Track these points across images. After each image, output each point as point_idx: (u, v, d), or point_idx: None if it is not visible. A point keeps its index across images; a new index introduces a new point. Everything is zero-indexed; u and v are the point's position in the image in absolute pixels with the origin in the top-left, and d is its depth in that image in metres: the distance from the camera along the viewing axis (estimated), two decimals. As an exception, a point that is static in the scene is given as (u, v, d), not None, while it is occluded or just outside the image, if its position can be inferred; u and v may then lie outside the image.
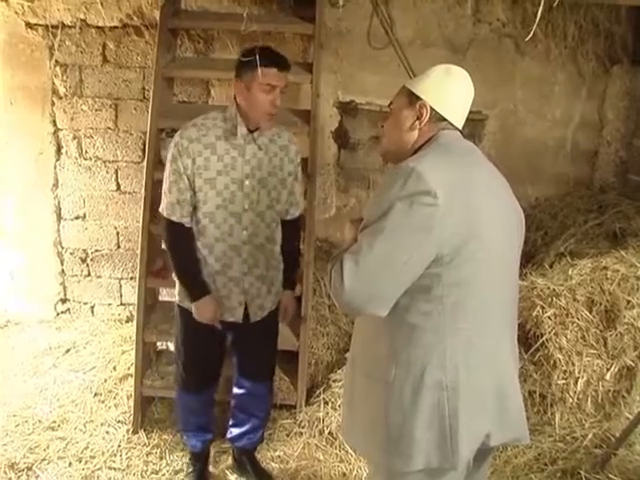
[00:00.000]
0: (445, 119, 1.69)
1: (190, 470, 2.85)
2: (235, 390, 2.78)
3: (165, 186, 2.43)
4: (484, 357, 1.60)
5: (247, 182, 2.39)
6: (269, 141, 2.45)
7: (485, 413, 1.60)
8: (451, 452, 1.56)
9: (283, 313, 2.68)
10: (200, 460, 2.86)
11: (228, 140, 2.38)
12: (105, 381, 3.51)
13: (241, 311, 2.51)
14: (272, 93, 2.31)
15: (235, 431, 2.82)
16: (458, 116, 1.72)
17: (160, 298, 3.75)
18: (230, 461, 2.95)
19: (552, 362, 2.94)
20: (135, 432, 3.13)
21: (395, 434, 1.59)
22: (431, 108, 1.68)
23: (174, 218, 2.41)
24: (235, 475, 2.89)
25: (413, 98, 1.70)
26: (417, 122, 1.69)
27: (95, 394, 3.41)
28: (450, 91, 1.70)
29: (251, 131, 2.39)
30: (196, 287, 2.46)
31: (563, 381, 2.93)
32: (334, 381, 3.20)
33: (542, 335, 2.95)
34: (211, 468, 2.91)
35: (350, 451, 2.93)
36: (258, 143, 2.41)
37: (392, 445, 1.60)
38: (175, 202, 2.39)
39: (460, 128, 1.73)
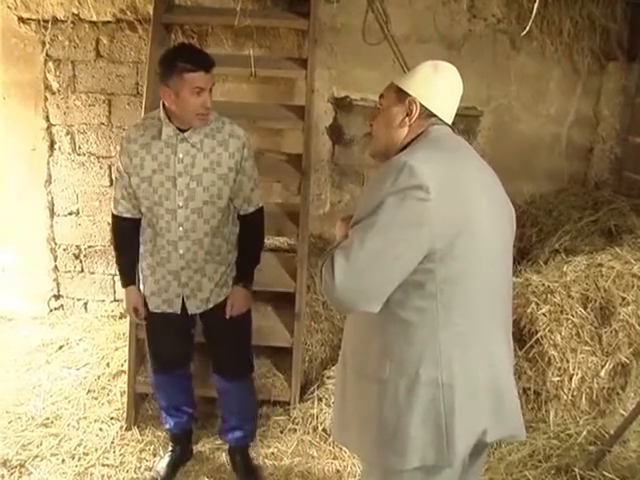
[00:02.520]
0: (435, 115, 1.68)
1: (169, 449, 2.90)
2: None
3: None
4: (479, 353, 1.59)
5: (180, 179, 2.39)
6: (205, 136, 2.42)
7: (481, 409, 1.59)
8: (447, 449, 1.54)
9: (229, 308, 2.61)
10: (177, 442, 2.90)
11: (162, 139, 2.40)
12: (98, 378, 3.50)
13: (179, 303, 2.57)
14: (202, 95, 2.31)
15: (222, 426, 2.87)
16: (447, 112, 1.70)
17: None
18: (224, 458, 2.95)
19: (547, 359, 2.93)
20: (128, 429, 3.12)
21: (390, 432, 1.58)
22: (420, 104, 1.66)
23: (115, 212, 2.57)
24: (229, 470, 2.89)
25: (402, 95, 1.69)
26: (407, 118, 1.68)
27: (88, 391, 3.40)
28: (439, 87, 1.68)
29: (182, 130, 2.39)
30: (122, 275, 2.66)
31: (558, 378, 2.92)
32: (328, 378, 3.19)
33: (537, 332, 2.94)
34: (206, 465, 2.90)
35: (344, 448, 2.92)
36: (191, 141, 2.40)
37: (387, 443, 1.59)
38: (119, 197, 2.53)
39: (450, 123, 1.72)
